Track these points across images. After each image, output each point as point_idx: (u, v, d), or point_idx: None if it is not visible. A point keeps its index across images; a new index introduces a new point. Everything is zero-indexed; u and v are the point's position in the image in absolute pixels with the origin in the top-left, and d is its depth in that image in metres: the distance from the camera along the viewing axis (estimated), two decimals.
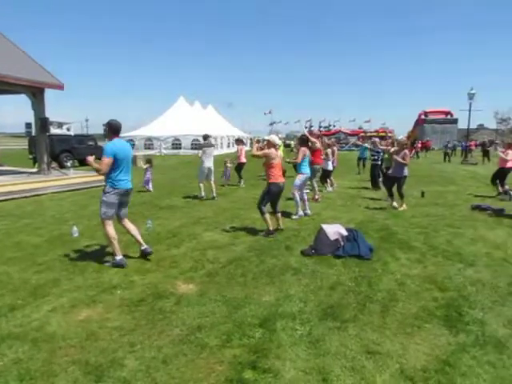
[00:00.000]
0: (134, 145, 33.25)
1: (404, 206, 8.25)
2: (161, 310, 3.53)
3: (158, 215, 7.63)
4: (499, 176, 10.16)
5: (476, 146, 26.88)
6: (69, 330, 3.19)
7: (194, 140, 32.48)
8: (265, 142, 6.84)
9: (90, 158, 4.71)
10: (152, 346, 2.95)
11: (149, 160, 12.06)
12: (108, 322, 3.34)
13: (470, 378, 2.53)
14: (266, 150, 6.17)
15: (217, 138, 33.42)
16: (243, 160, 12.52)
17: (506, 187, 9.92)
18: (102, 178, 12.90)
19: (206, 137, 10.36)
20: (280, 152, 6.45)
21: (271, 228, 6.09)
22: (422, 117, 49.58)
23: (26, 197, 10.14)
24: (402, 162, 8.08)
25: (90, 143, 21.75)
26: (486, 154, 23.80)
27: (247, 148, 22.14)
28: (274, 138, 6.26)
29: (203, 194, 9.71)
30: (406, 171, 8.29)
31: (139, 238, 5.00)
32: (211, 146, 10.17)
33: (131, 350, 2.89)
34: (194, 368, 2.67)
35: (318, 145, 9.25)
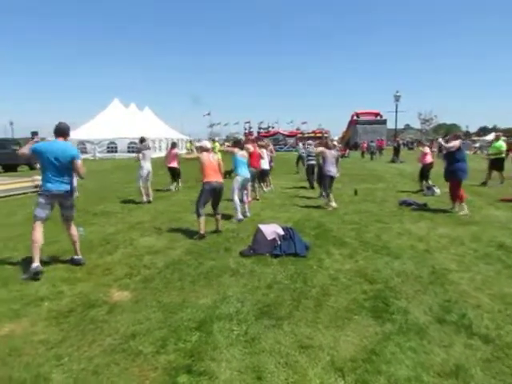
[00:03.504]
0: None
1: (333, 203, 8.49)
2: (92, 320, 3.38)
3: (91, 222, 7.27)
4: (422, 173, 11.05)
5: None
6: None
7: (130, 143, 31.38)
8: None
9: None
10: (81, 357, 2.81)
11: None
12: (33, 335, 3.13)
13: (394, 364, 2.70)
14: (197, 154, 6.59)
15: (155, 140, 32.57)
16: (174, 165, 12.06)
17: (430, 182, 10.81)
18: (27, 184, 11.99)
19: (142, 140, 10.11)
20: (213, 155, 6.65)
21: (202, 231, 6.07)
22: (355, 118, 52.42)
23: None
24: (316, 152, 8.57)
25: (15, 148, 20.05)
26: (396, 153, 25.77)
27: (181, 151, 21.36)
28: (206, 143, 6.94)
29: (145, 198, 9.40)
30: (330, 171, 8.58)
31: (77, 246, 4.86)
32: (149, 148, 9.98)
33: (58, 364, 2.73)
34: (127, 377, 2.58)
35: (252, 149, 9.46)
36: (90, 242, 5.83)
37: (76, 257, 4.85)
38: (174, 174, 11.86)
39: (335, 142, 12.79)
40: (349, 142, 44.58)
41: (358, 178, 14.55)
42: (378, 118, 51.82)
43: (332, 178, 8.65)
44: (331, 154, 8.72)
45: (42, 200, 4.55)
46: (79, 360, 2.78)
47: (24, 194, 11.32)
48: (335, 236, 6.13)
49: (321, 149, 8.82)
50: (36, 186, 11.20)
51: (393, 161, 24.96)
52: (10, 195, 11.02)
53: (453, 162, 7.70)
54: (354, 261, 4.94)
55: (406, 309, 3.55)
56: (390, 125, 44.25)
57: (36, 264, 4.39)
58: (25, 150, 4.64)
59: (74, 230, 4.86)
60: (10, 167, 19.74)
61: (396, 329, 3.19)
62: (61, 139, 4.68)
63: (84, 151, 32.04)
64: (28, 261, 4.84)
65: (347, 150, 31.45)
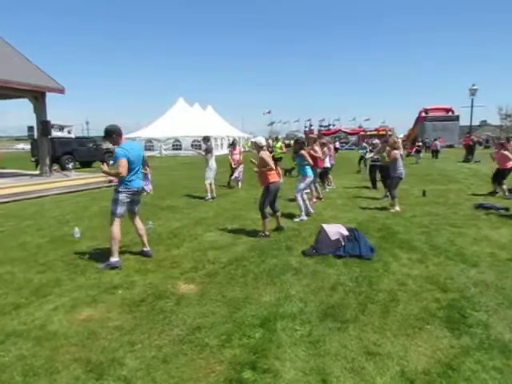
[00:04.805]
0: None
1: (397, 207, 8.08)
2: (161, 310, 3.54)
3: (158, 216, 7.64)
4: (498, 176, 10.04)
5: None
6: (70, 329, 3.22)
7: (193, 141, 32.56)
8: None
9: (105, 167, 4.72)
10: (152, 345, 2.96)
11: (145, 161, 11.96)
12: (109, 321, 3.36)
13: (475, 383, 2.48)
14: (261, 155, 6.14)
15: (217, 138, 33.48)
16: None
17: (504, 187, 9.79)
18: (102, 179, 12.89)
19: (208, 139, 10.39)
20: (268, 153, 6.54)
21: (267, 232, 6.11)
22: (423, 114, 49.09)
23: (28, 198, 10.18)
24: (387, 160, 8.17)
25: (91, 145, 21.81)
26: (471, 152, 23.50)
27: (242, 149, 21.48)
28: (260, 140, 6.35)
29: (209, 195, 9.72)
30: (398, 172, 8.17)
31: (145, 239, 5.11)
32: (212, 148, 10.27)
33: (131, 349, 2.90)
34: (194, 368, 2.67)
35: (318, 150, 9.36)
36: (159, 235, 6.13)
37: (145, 249, 5.12)
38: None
39: (400, 140, 12.17)
40: (415, 141, 41.98)
41: (426, 179, 13.71)
42: (450, 113, 48.10)
43: (400, 179, 8.26)
44: (400, 153, 8.32)
45: (123, 197, 4.69)
46: (150, 348, 2.92)
47: (98, 188, 12.26)
48: (402, 239, 5.82)
49: (388, 149, 8.46)
50: (109, 181, 12.07)
51: (466, 160, 23.13)
52: (86, 189, 11.99)
53: None
54: (425, 266, 4.64)
55: (487, 323, 3.24)
56: (465, 121, 41.15)
57: (116, 259, 4.69)
58: (123, 169, 4.57)
59: (140, 223, 5.09)
60: (86, 163, 21.46)
61: (476, 344, 2.93)
62: (124, 139, 4.81)
63: (151, 148, 33.91)
64: (105, 251, 5.22)
65: (414, 149, 29.72)
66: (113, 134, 4.71)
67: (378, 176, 10.96)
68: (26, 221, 7.43)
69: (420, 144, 26.10)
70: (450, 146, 40.58)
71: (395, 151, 8.14)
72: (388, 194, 8.75)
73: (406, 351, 2.84)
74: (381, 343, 2.95)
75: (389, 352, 2.83)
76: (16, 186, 10.90)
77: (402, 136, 27.13)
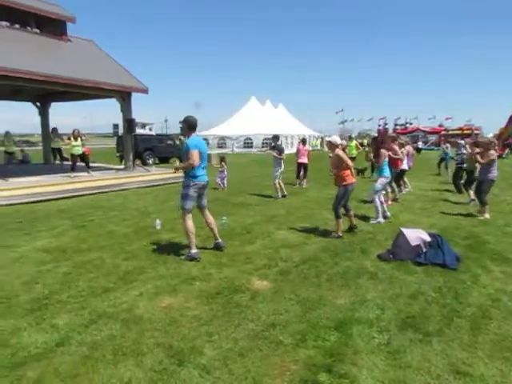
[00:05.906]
0: (208, 143, 34.89)
1: (486, 215, 7.35)
2: (237, 304, 3.61)
3: (231, 212, 7.82)
4: None
5: None
6: (154, 315, 3.42)
7: (264, 139, 32.91)
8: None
9: (177, 163, 5.01)
10: (229, 337, 3.03)
11: (223, 158, 12.32)
12: (188, 310, 3.51)
13: None
14: (339, 153, 5.94)
15: (287, 137, 33.49)
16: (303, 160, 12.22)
17: None
18: (179, 175, 13.57)
19: (277, 138, 10.38)
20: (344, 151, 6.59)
21: (340, 233, 5.95)
22: None
23: (113, 191, 11.10)
24: (481, 161, 7.35)
25: (169, 142, 23.06)
26: None
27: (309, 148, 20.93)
28: (336, 139, 6.12)
29: (280, 194, 9.75)
30: (491, 174, 7.37)
31: (215, 231, 5.24)
32: (282, 148, 10.23)
33: (209, 340, 2.99)
34: (269, 364, 2.68)
35: (397, 150, 8.89)
36: (233, 230, 6.29)
37: (217, 240, 5.26)
38: (304, 169, 12.04)
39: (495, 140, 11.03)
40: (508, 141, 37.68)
41: None
42: None
43: (493, 183, 7.48)
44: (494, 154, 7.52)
45: (192, 192, 4.82)
46: (227, 340, 3.00)
47: (176, 183, 12.93)
48: (494, 250, 5.28)
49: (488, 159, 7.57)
50: None
51: None
52: (164, 184, 12.73)
53: None
54: None
55: None
56: None
57: (195, 250, 4.89)
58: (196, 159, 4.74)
59: (210, 217, 5.20)
60: (165, 159, 22.75)
61: None
62: (195, 133, 4.95)
63: (223, 146, 35.02)
64: (183, 243, 5.48)
65: (506, 150, 26.92)
66: (185, 123, 4.94)
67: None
68: (112, 211, 8.10)
69: None
70: None
71: (491, 151, 7.36)
72: (475, 198, 8.00)
73: (504, 377, 2.55)
74: (471, 363, 2.70)
75: (482, 374, 2.57)
76: (103, 179, 11.96)
77: (491, 135, 24.45)
